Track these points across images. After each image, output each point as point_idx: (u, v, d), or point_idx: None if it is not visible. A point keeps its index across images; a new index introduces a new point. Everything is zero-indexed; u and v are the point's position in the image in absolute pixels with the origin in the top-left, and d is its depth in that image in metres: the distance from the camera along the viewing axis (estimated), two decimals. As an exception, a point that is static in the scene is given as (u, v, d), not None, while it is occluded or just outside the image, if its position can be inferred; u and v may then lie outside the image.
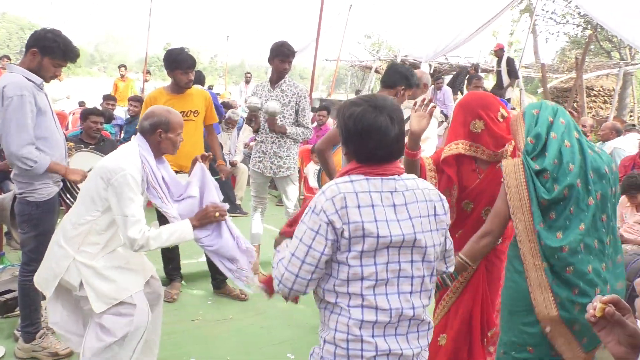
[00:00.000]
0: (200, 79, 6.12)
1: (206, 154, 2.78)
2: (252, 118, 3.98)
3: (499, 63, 9.57)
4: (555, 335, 1.90)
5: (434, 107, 2.34)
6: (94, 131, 4.65)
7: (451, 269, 1.83)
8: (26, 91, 2.61)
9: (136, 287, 2.40)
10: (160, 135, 2.42)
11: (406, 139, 4.01)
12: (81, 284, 2.30)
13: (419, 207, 1.60)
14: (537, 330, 1.93)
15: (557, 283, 1.87)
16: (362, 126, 1.56)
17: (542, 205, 1.89)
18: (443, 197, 1.72)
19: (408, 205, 1.59)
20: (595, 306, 1.05)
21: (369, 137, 1.56)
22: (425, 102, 2.30)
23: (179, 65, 3.59)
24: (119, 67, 10.66)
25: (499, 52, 9.63)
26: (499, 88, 8.92)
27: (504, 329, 2.06)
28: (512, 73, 9.35)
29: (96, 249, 2.33)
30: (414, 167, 2.36)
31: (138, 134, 2.46)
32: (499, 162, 2.25)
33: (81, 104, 9.42)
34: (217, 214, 2.47)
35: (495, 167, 2.29)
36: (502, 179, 2.00)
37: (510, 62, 9.47)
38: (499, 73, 9.44)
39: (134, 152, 2.36)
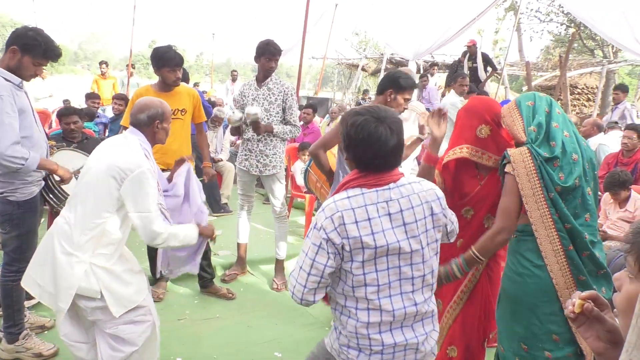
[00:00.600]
0: (185, 77, 6.07)
1: (185, 157, 2.84)
2: (237, 132, 4.00)
3: (470, 58, 9.73)
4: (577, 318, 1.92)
5: (446, 112, 2.46)
6: (70, 132, 4.50)
7: (452, 239, 1.95)
8: (4, 92, 2.57)
9: (147, 289, 2.42)
10: (157, 126, 2.42)
11: (407, 142, 4.05)
12: (100, 293, 2.22)
13: (414, 212, 1.71)
14: (562, 318, 1.93)
15: (575, 264, 1.90)
16: (363, 135, 1.65)
17: (557, 192, 1.90)
18: (441, 195, 1.79)
19: (403, 212, 1.69)
20: (574, 302, 1.06)
21: (369, 145, 1.66)
22: (440, 112, 2.45)
23: (167, 63, 3.55)
24: (100, 63, 10.22)
25: (472, 47, 9.76)
26: (477, 83, 9.01)
27: (522, 325, 2.01)
28: (492, 65, 9.54)
29: (111, 249, 2.28)
30: (431, 174, 2.38)
31: (131, 127, 2.41)
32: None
33: (65, 102, 9.30)
34: (213, 238, 2.64)
35: (497, 174, 2.28)
36: (504, 171, 2.00)
37: (485, 57, 9.66)
38: (474, 69, 9.58)
39: (137, 146, 2.32)
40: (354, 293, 1.70)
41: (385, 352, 1.71)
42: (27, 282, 2.38)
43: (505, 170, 2.02)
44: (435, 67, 10.62)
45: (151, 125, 2.40)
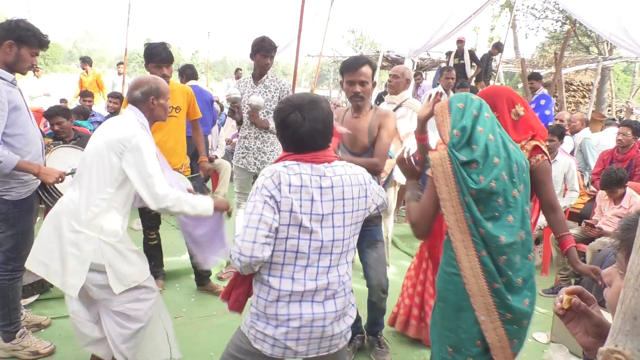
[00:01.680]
0: (193, 74, 5.97)
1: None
2: (235, 109, 3.95)
3: (457, 55, 9.82)
4: (489, 326, 1.90)
5: (439, 96, 2.40)
6: (56, 133, 4.43)
7: (375, 212, 2.09)
8: None
9: (148, 271, 2.51)
10: (152, 102, 2.46)
11: (404, 139, 4.00)
12: (106, 266, 2.31)
13: (343, 190, 1.85)
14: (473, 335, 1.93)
15: (489, 271, 1.88)
16: (278, 121, 1.88)
17: (471, 196, 1.87)
18: (368, 178, 1.96)
19: (334, 189, 1.83)
20: (562, 298, 1.06)
21: (284, 129, 1.87)
22: (435, 96, 2.39)
23: (152, 58, 3.53)
24: (81, 60, 10.27)
25: (460, 44, 9.83)
26: (464, 78, 9.06)
27: (449, 329, 1.99)
28: (477, 62, 9.63)
29: (117, 225, 2.36)
30: (423, 150, 2.47)
31: (129, 105, 2.47)
32: None
33: (63, 100, 9.26)
34: (229, 211, 2.60)
35: None
36: (430, 172, 1.98)
37: (472, 54, 9.73)
38: (461, 66, 9.65)
39: (134, 121, 2.37)
40: (271, 258, 1.80)
41: (292, 325, 1.80)
42: (32, 263, 2.42)
43: (427, 173, 2.03)
44: (422, 76, 10.64)
45: (146, 102, 2.45)
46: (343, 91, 3.02)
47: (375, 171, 2.77)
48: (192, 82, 5.76)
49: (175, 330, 3.32)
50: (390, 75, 4.41)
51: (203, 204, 2.40)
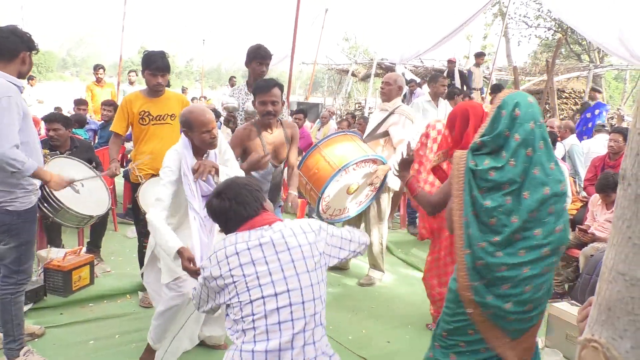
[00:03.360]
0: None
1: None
2: (230, 119, 3.96)
3: (449, 75, 9.98)
4: (477, 319, 1.99)
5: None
6: (51, 139, 4.37)
7: (362, 251, 2.25)
8: (13, 93, 2.54)
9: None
10: (186, 134, 2.70)
11: (397, 145, 4.19)
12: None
13: (285, 241, 1.93)
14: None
15: (471, 269, 1.95)
16: (210, 213, 2.10)
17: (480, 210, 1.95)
18: (324, 228, 2.06)
19: (274, 242, 1.92)
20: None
21: (216, 217, 2.07)
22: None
23: (148, 65, 3.53)
24: (96, 68, 8.55)
25: (450, 65, 9.99)
26: (450, 98, 9.22)
27: (447, 315, 2.12)
28: (467, 85, 9.77)
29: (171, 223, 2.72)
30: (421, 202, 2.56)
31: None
32: None
33: (57, 109, 9.23)
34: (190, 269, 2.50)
35: None
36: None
37: (462, 75, 9.87)
38: (452, 86, 9.81)
39: (174, 152, 2.69)
40: (240, 325, 1.90)
41: None
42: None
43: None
44: (414, 85, 10.79)
45: (183, 131, 2.74)
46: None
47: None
48: None
49: (171, 338, 3.33)
50: (382, 82, 4.45)
51: (168, 241, 2.48)
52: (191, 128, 2.66)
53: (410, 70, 13.17)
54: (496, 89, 8.37)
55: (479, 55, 11.00)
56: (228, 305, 1.94)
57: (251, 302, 1.85)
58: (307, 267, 1.92)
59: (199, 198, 2.66)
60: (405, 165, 2.54)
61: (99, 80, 8.48)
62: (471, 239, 1.93)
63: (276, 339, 1.81)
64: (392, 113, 4.26)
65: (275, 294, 1.85)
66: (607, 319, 0.81)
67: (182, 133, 2.73)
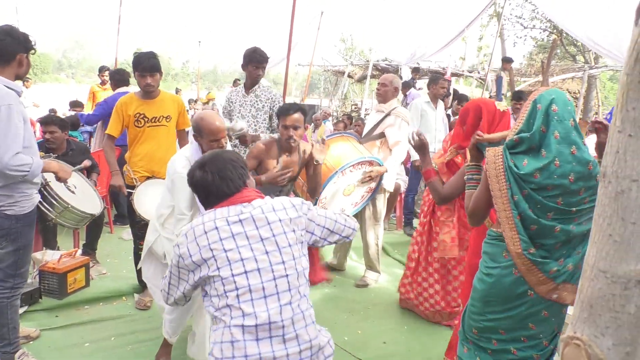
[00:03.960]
0: (123, 80, 5.74)
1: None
2: (244, 143, 3.90)
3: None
4: (564, 295, 1.94)
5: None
6: (47, 141, 4.33)
7: (349, 236, 2.23)
8: (12, 100, 2.52)
9: None
10: (196, 138, 2.76)
11: (394, 147, 4.27)
12: (164, 255, 2.89)
13: (265, 216, 1.92)
14: (511, 314, 2.01)
15: (540, 259, 1.91)
16: (190, 185, 2.05)
17: (523, 195, 1.89)
18: (305, 203, 2.05)
19: (254, 217, 1.91)
20: None
21: (198, 189, 2.02)
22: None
23: (136, 67, 3.53)
24: (101, 70, 8.21)
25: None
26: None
27: (477, 314, 2.11)
28: (498, 92, 9.82)
29: (172, 226, 2.83)
30: (436, 188, 2.62)
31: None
32: None
33: (52, 111, 9.21)
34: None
35: None
36: (484, 169, 2.04)
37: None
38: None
39: (184, 156, 2.75)
40: (220, 302, 1.86)
41: None
42: None
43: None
44: (417, 74, 10.85)
45: (195, 138, 2.78)
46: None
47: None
48: (123, 89, 5.55)
49: (166, 340, 3.33)
50: (378, 84, 4.45)
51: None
52: (201, 134, 2.71)
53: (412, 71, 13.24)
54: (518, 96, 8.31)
55: (507, 61, 10.65)
56: (207, 282, 1.88)
57: (233, 276, 1.81)
58: (288, 240, 1.91)
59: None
60: (421, 149, 2.61)
61: (103, 83, 8.06)
62: (523, 242, 1.91)
63: (264, 312, 1.79)
64: (388, 115, 4.26)
65: (258, 269, 1.83)
66: (589, 316, 0.82)
67: (193, 137, 2.78)
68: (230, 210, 1.92)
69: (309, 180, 3.51)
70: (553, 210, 1.87)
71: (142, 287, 3.89)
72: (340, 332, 3.47)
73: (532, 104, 1.93)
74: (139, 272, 3.87)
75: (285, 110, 3.24)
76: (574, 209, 1.88)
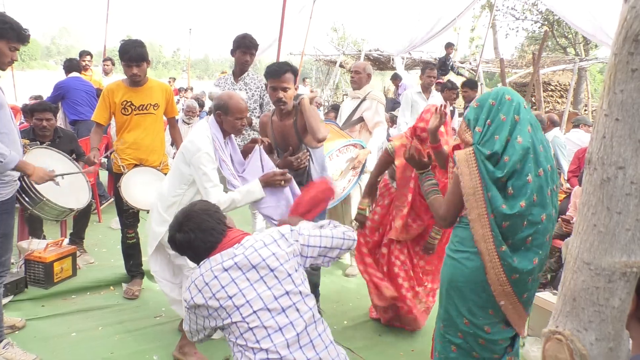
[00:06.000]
0: (74, 66, 6.35)
1: (260, 138, 3.07)
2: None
3: (446, 61, 10.05)
4: (508, 308, 2.04)
5: (444, 108, 2.70)
6: (42, 129, 4.26)
7: (335, 256, 2.18)
8: None
9: None
10: (220, 117, 2.73)
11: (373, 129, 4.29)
12: None
13: (259, 253, 1.92)
14: (473, 299, 2.07)
15: (507, 265, 1.96)
16: (174, 248, 2.04)
17: (499, 183, 1.93)
18: (285, 232, 2.04)
19: (248, 257, 1.91)
20: None
21: (182, 249, 2.01)
22: (441, 107, 2.65)
23: (122, 56, 3.45)
24: (82, 54, 8.03)
25: (449, 49, 10.11)
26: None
27: (448, 304, 2.15)
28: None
29: None
30: (441, 157, 2.69)
31: (211, 116, 2.82)
32: None
33: (37, 97, 9.04)
34: (282, 181, 2.78)
35: None
36: (455, 169, 2.05)
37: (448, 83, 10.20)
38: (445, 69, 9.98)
39: (206, 131, 2.71)
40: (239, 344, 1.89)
41: None
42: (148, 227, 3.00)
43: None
44: (398, 80, 10.95)
45: (215, 114, 2.75)
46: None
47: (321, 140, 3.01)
48: (74, 74, 6.28)
49: (154, 330, 3.31)
50: (352, 72, 4.63)
51: (249, 192, 2.70)
52: (227, 112, 2.71)
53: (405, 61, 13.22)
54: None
55: (449, 46, 11.08)
56: (223, 329, 1.93)
57: (244, 319, 1.85)
58: (287, 271, 1.93)
59: (236, 178, 2.77)
60: (434, 136, 2.67)
61: (85, 69, 7.75)
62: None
63: (283, 343, 1.83)
64: (364, 99, 4.41)
65: (265, 305, 1.86)
66: (571, 310, 0.78)
67: (213, 116, 2.77)
68: (223, 256, 1.93)
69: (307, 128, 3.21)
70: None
71: (130, 276, 3.86)
72: (329, 322, 3.46)
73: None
74: (126, 262, 3.85)
75: (274, 71, 2.98)
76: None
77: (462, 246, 2.09)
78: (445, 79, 9.42)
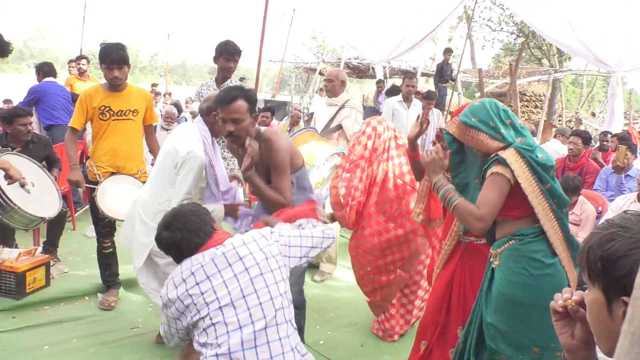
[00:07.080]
0: (51, 71, 6.20)
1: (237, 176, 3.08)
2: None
3: (444, 67, 10.11)
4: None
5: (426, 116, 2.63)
6: (24, 134, 4.21)
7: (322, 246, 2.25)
8: None
9: None
10: (215, 117, 2.64)
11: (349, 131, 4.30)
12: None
13: (236, 252, 1.95)
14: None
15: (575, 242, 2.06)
16: (160, 246, 2.05)
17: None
18: (265, 233, 2.06)
19: (226, 255, 1.94)
20: (567, 298, 1.06)
21: (169, 248, 2.03)
22: (421, 119, 2.54)
23: (103, 59, 3.37)
24: (78, 59, 7.30)
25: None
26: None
27: (536, 329, 1.99)
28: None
29: None
30: (417, 166, 2.61)
31: (199, 116, 2.78)
32: None
33: (7, 101, 8.80)
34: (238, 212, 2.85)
35: None
36: (495, 171, 2.00)
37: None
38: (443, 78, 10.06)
39: (195, 133, 2.68)
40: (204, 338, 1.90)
41: None
42: (123, 238, 2.99)
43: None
44: (383, 84, 11.10)
45: (209, 116, 2.71)
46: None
47: (282, 206, 2.55)
48: (50, 79, 6.13)
49: (131, 341, 3.22)
50: (325, 80, 4.70)
51: (215, 210, 2.68)
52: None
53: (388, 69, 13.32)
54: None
55: (447, 51, 11.21)
56: (193, 327, 1.94)
57: (209, 313, 1.87)
58: (261, 270, 1.94)
59: (218, 190, 2.80)
60: (412, 145, 2.59)
61: (81, 73, 7.20)
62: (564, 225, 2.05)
63: (237, 337, 1.84)
64: (342, 107, 4.48)
65: (232, 302, 1.88)
66: None
67: (202, 116, 2.75)
68: (205, 255, 1.96)
69: None
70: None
71: (106, 286, 3.75)
72: (311, 332, 3.43)
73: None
74: (102, 271, 3.74)
75: (220, 99, 2.45)
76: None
77: (548, 258, 2.02)
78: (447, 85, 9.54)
